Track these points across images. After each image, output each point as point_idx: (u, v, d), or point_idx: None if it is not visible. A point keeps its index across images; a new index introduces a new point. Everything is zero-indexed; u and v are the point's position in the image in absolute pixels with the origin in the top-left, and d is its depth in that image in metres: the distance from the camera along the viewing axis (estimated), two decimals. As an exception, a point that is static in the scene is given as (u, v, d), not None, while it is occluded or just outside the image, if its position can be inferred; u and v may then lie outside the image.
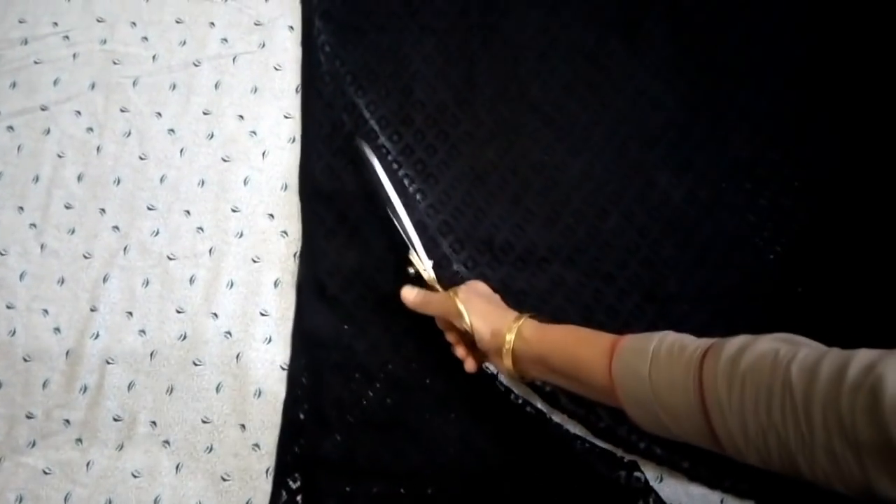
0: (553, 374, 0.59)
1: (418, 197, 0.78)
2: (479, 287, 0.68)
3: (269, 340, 0.76)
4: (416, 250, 0.72)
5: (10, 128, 0.85)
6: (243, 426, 0.73)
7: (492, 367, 0.71)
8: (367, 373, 0.74)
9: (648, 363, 0.49)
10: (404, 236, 0.72)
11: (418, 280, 0.72)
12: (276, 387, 0.74)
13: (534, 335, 0.60)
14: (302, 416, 0.73)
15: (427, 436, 0.71)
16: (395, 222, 0.72)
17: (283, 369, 0.75)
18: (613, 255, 0.77)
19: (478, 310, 0.64)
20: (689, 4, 0.83)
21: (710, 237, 0.77)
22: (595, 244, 0.78)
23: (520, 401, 0.71)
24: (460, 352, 0.68)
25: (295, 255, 0.78)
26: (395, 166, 0.79)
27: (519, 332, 0.60)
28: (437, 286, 0.71)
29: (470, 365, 0.68)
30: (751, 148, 0.79)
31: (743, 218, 0.77)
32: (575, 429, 0.71)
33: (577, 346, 0.56)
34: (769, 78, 0.80)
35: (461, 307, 0.63)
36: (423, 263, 0.71)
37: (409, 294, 0.70)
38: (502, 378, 0.72)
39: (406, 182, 0.79)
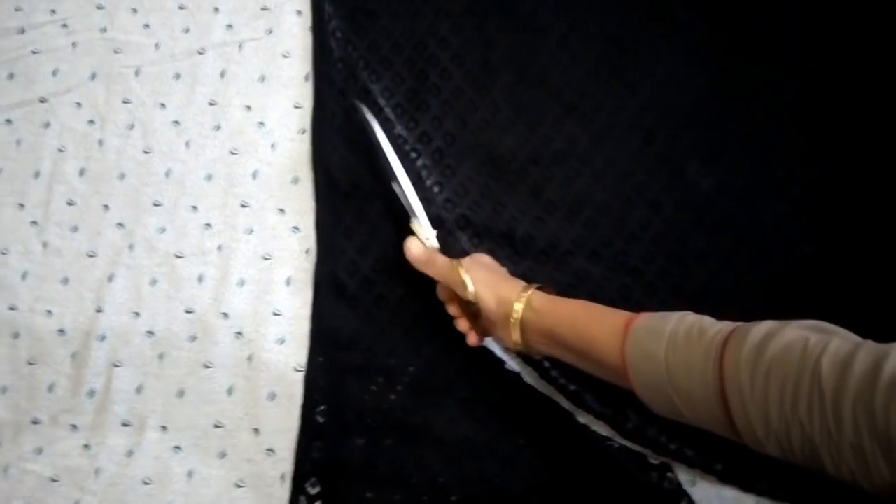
0: (561, 349, 0.56)
1: (436, 189, 0.75)
2: (483, 258, 0.66)
3: (283, 341, 0.73)
4: (418, 218, 0.68)
5: (9, 121, 0.82)
6: (257, 430, 0.71)
7: (496, 349, 0.69)
8: (388, 375, 0.71)
9: (664, 345, 0.47)
10: (405, 204, 0.68)
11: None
12: (291, 389, 0.72)
13: (544, 306, 0.58)
14: (321, 420, 0.70)
15: (451, 442, 0.68)
16: (396, 189, 0.69)
17: (298, 371, 0.72)
18: (640, 248, 0.74)
19: (483, 279, 0.61)
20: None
21: (742, 229, 0.73)
22: (620, 237, 0.74)
23: (544, 400, 0.68)
24: (462, 325, 0.66)
25: (307, 251, 0.75)
26: (413, 155, 0.76)
27: (528, 302, 0.58)
28: (441, 257, 0.67)
29: (473, 339, 0.65)
30: (784, 135, 0.75)
31: (776, 208, 0.73)
32: (602, 430, 0.68)
33: (589, 322, 0.54)
34: (803, 60, 0.76)
35: (464, 276, 0.61)
36: (426, 232, 0.68)
37: (414, 247, 0.66)
38: (507, 359, 0.69)
39: (424, 174, 0.75)
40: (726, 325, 0.46)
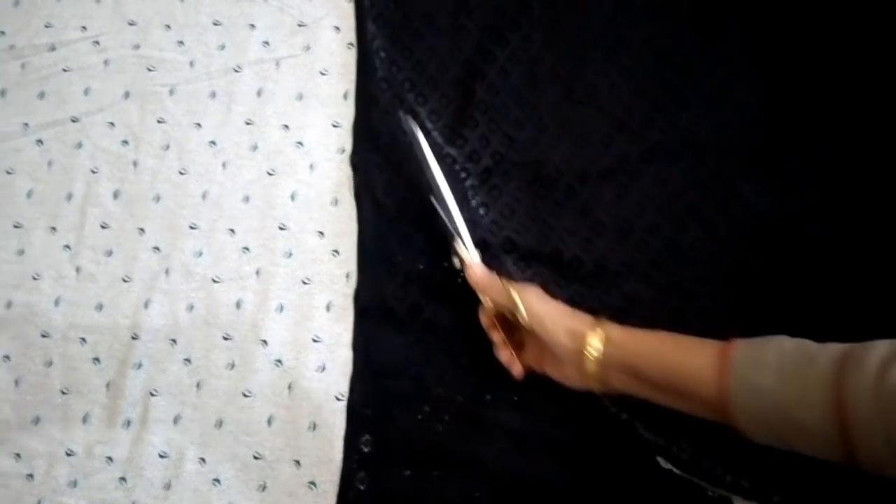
0: (643, 384, 0.54)
1: (482, 211, 0.72)
2: (537, 288, 0.62)
3: (323, 369, 0.71)
4: (462, 239, 0.65)
5: (40, 141, 0.80)
6: (298, 462, 0.68)
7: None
8: (435, 404, 0.68)
9: (772, 377, 0.46)
10: (449, 224, 0.66)
11: (462, 271, 0.66)
12: (332, 419, 0.69)
13: (624, 340, 0.55)
14: (365, 450, 0.67)
15: (500, 475, 0.65)
16: (439, 208, 0.66)
17: (339, 400, 0.69)
18: (693, 270, 0.71)
19: (544, 309, 0.59)
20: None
21: (800, 251, 0.70)
22: (672, 259, 0.71)
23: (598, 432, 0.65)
24: (504, 355, 0.63)
25: (348, 275, 0.73)
26: (462, 175, 0.73)
27: (607, 337, 0.55)
28: None
29: (517, 370, 0.62)
30: (841, 153, 0.72)
31: (836, 231, 0.70)
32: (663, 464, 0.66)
33: (678, 355, 0.52)
34: (860, 73, 0.73)
35: (516, 298, 0.58)
36: (470, 254, 0.65)
37: (478, 270, 0.64)
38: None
39: (470, 194, 0.73)
40: (834, 349, 0.45)
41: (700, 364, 0.50)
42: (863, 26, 0.74)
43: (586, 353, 0.55)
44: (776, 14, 0.76)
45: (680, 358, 0.52)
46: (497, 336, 0.64)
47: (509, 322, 0.64)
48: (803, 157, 0.72)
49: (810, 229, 0.70)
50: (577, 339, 0.56)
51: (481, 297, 0.64)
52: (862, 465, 0.43)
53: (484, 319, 0.65)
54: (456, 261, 0.66)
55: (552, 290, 0.70)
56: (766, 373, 0.46)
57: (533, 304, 0.59)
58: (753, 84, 0.74)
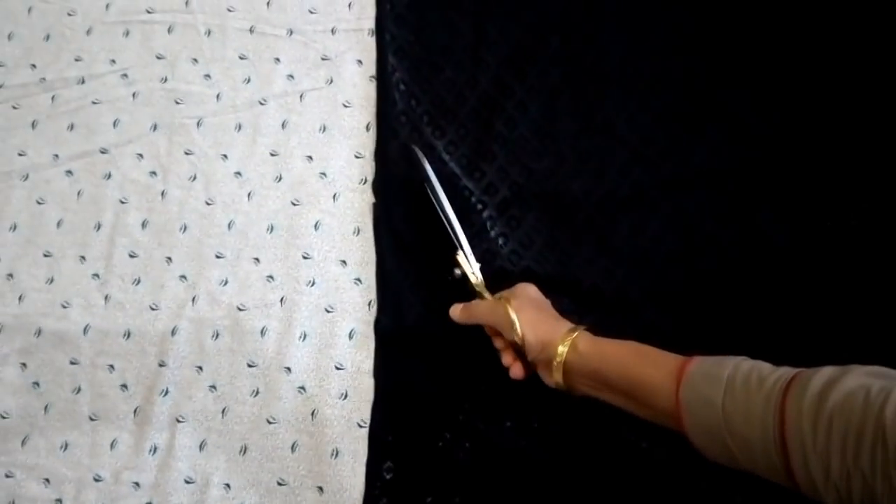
0: (607, 390, 0.57)
1: (500, 241, 0.74)
2: (530, 291, 0.66)
3: (345, 396, 0.72)
4: (463, 251, 0.69)
5: (69, 172, 0.82)
6: (321, 489, 0.69)
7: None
8: (457, 432, 0.69)
9: (722, 391, 0.47)
10: (452, 236, 0.69)
11: (464, 282, 0.69)
12: (354, 446, 0.70)
13: (589, 349, 0.58)
14: (388, 476, 0.68)
15: (522, 502, 0.66)
16: (444, 220, 0.70)
17: (361, 427, 0.70)
18: (712, 300, 0.72)
19: (529, 319, 0.62)
20: (786, 27, 0.77)
21: (818, 281, 0.71)
22: (691, 288, 0.72)
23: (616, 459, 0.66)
24: (507, 359, 0.66)
25: (370, 303, 0.74)
26: (479, 207, 0.75)
27: (573, 345, 0.59)
28: (486, 292, 0.68)
29: (517, 371, 0.65)
30: (860, 187, 0.73)
31: (851, 259, 0.71)
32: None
33: (639, 365, 0.55)
34: (874, 106, 0.74)
35: (513, 316, 0.61)
36: (470, 266, 0.69)
37: (456, 311, 0.68)
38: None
39: (489, 225, 0.74)
40: (785, 372, 0.46)
41: (659, 375, 0.52)
42: (876, 59, 0.76)
43: (555, 361, 0.59)
44: (790, 50, 0.77)
45: (641, 368, 0.54)
46: (499, 342, 0.67)
47: None
48: (820, 188, 0.73)
49: (826, 260, 0.71)
50: (549, 348, 0.60)
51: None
52: (801, 487, 0.43)
53: (487, 328, 0.68)
54: (457, 272, 0.69)
55: (571, 319, 0.72)
56: (718, 388, 0.47)
57: (523, 319, 0.62)
58: (768, 117, 0.76)
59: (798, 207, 0.73)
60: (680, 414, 0.50)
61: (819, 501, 0.43)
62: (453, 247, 0.69)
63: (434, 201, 0.71)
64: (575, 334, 0.60)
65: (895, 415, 0.38)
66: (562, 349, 0.59)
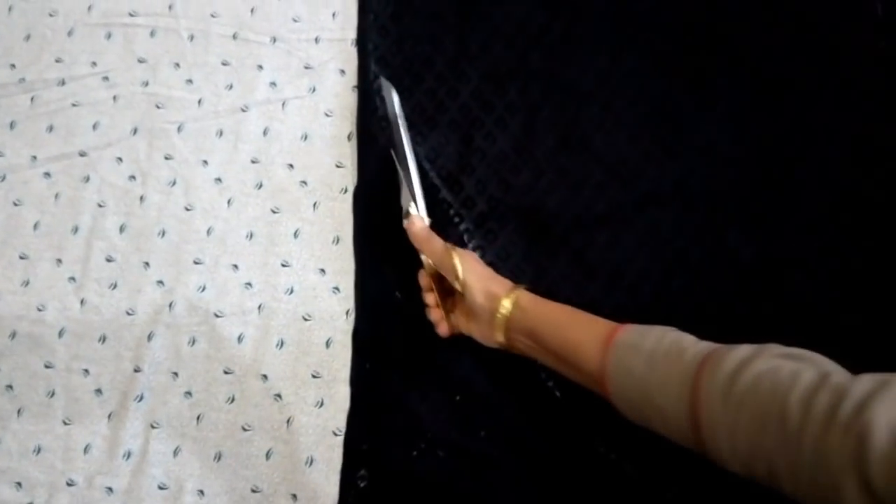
0: (542, 351, 0.59)
1: (478, 254, 0.75)
2: (475, 255, 0.68)
3: (321, 404, 0.72)
4: (416, 203, 0.69)
5: (47, 174, 0.82)
6: (295, 496, 0.70)
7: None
8: (431, 440, 0.70)
9: (644, 362, 0.50)
10: (407, 187, 0.69)
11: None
12: (329, 454, 0.71)
13: (531, 305, 0.60)
14: (361, 485, 0.69)
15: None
16: (398, 163, 0.70)
17: (336, 435, 0.71)
18: (682, 316, 0.73)
19: (475, 270, 0.63)
20: (756, 53, 0.80)
21: (784, 297, 0.73)
22: (661, 303, 0.74)
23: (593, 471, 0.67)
24: (435, 314, 0.67)
25: (347, 312, 0.75)
26: (456, 220, 0.76)
27: (516, 300, 0.60)
28: None
29: (443, 329, 0.67)
30: (823, 205, 0.75)
31: (815, 280, 0.73)
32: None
33: (572, 327, 0.57)
34: (841, 132, 0.77)
35: (456, 261, 0.62)
36: (423, 218, 0.69)
37: (417, 224, 0.67)
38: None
39: (465, 238, 0.75)
40: (704, 347, 0.48)
41: (589, 340, 0.55)
42: (849, 83, 0.78)
43: (498, 314, 0.60)
44: (762, 74, 0.79)
45: (574, 331, 0.57)
46: (431, 297, 0.68)
47: (444, 286, 0.68)
48: (785, 208, 0.75)
49: (791, 277, 0.73)
50: (493, 300, 0.61)
51: (420, 254, 0.68)
52: (709, 455, 0.46)
53: (421, 280, 0.69)
54: (405, 220, 0.70)
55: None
56: (640, 358, 0.50)
57: (466, 266, 0.63)
58: (741, 138, 0.77)
59: (765, 227, 0.75)
60: (604, 379, 0.52)
61: (725, 469, 0.45)
62: (405, 186, 0.69)
63: (395, 141, 0.72)
64: (518, 290, 0.61)
65: (797, 401, 0.40)
66: (507, 303, 0.60)
